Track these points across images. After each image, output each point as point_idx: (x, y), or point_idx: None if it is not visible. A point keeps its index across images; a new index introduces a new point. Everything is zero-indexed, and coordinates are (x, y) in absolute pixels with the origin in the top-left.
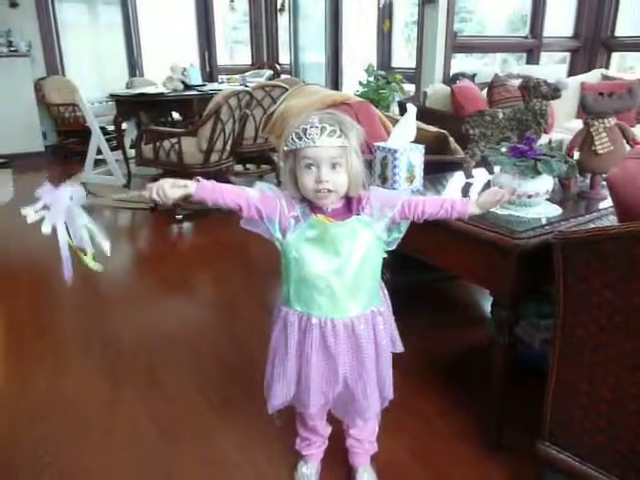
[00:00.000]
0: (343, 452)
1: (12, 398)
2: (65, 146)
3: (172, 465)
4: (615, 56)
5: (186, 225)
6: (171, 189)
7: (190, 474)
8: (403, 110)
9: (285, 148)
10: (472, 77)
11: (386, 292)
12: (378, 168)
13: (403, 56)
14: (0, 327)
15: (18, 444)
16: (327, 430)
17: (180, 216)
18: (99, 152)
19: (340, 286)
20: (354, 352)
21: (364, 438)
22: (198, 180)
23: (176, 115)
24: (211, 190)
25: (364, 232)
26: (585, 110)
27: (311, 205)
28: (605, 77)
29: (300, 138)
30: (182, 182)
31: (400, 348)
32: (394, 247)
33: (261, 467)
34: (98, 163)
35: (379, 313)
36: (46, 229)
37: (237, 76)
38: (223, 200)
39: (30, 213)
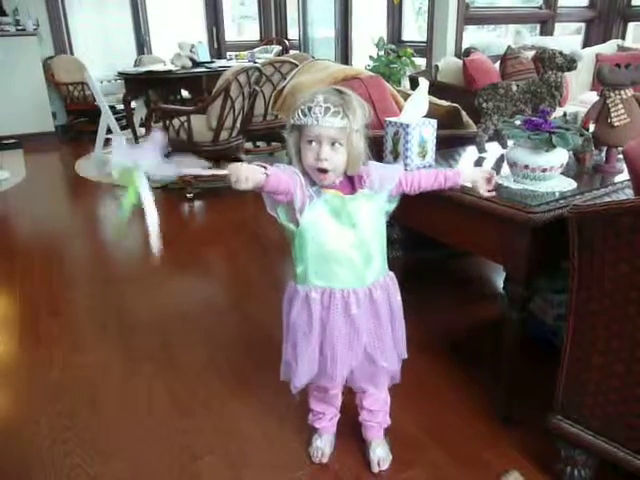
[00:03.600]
0: (357, 426)
1: (30, 378)
2: (75, 126)
3: (188, 437)
4: (631, 26)
5: (197, 203)
6: (252, 177)
7: (206, 445)
8: (414, 84)
9: (291, 121)
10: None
11: None
12: (390, 144)
13: (414, 29)
14: (16, 307)
15: (37, 421)
16: (339, 401)
17: (191, 194)
18: (109, 131)
19: (359, 256)
20: (374, 318)
21: (377, 409)
22: (265, 168)
23: (185, 93)
24: (276, 180)
25: (370, 204)
26: (601, 81)
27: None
28: (621, 48)
29: (305, 115)
30: (259, 170)
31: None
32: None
33: (275, 439)
34: (108, 142)
35: (390, 278)
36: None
37: (245, 52)
38: (282, 190)
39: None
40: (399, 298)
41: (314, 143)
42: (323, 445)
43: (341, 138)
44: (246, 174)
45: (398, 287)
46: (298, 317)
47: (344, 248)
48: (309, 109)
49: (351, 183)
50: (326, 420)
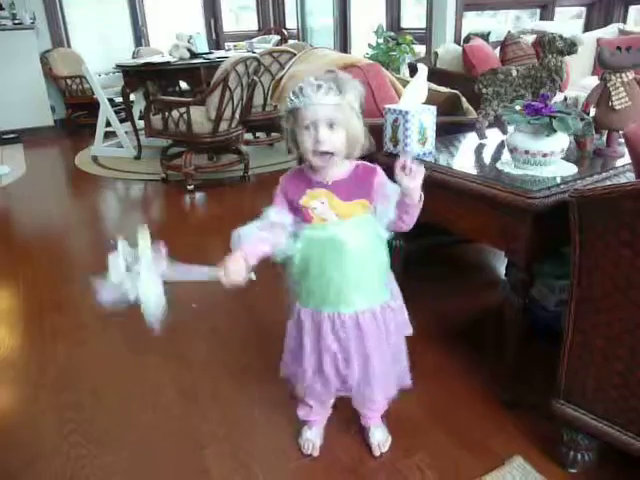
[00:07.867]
0: (355, 412)
1: (34, 371)
2: (74, 119)
3: (193, 426)
4: (632, 10)
5: (198, 195)
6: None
7: (211, 435)
8: (413, 72)
9: (284, 108)
10: (484, 36)
11: (396, 284)
12: (389, 131)
13: (413, 16)
14: (19, 301)
15: (42, 415)
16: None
17: (192, 186)
18: (108, 124)
19: (347, 281)
20: (362, 346)
21: (375, 408)
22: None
23: (184, 85)
24: (260, 252)
25: (362, 231)
26: (602, 64)
27: (313, 176)
28: (622, 32)
29: (297, 97)
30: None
31: (410, 331)
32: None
33: (280, 427)
34: (108, 135)
35: (390, 309)
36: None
37: (244, 42)
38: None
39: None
40: (394, 338)
41: (310, 127)
42: (313, 437)
43: (337, 117)
44: (235, 277)
45: (405, 318)
46: (292, 328)
47: (331, 272)
48: (300, 90)
49: (355, 181)
50: (317, 414)
